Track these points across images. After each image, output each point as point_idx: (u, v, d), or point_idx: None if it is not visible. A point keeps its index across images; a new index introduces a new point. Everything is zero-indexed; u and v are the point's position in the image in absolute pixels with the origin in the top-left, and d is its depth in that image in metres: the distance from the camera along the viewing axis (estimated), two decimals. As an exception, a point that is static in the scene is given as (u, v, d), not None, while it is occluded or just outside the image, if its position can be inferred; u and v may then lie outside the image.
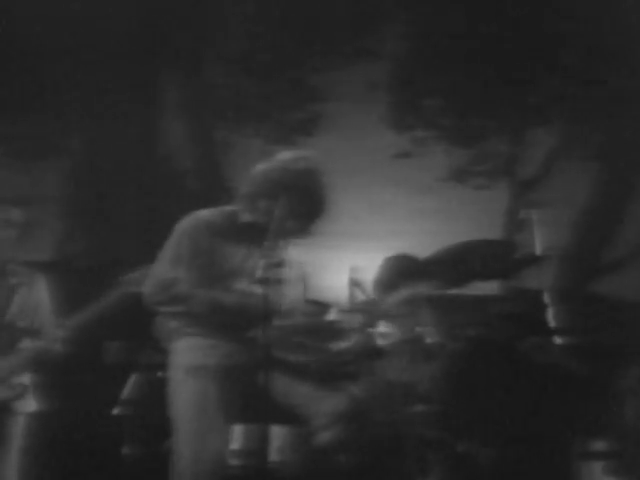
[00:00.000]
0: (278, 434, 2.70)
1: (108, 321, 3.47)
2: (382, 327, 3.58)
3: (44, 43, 7.05)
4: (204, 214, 2.92)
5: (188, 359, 2.76)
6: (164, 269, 2.82)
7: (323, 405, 2.75)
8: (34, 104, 7.36)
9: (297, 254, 3.06)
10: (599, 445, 3.39)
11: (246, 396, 2.65)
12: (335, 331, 2.94)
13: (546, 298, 3.85)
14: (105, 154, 7.65)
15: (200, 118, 8.22)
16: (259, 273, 2.70)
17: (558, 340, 3.81)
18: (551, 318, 3.82)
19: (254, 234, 2.83)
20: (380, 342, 3.21)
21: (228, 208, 2.98)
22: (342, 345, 2.90)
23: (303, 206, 2.83)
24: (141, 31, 7.37)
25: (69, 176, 7.83)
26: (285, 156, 2.93)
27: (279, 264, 2.79)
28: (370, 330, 3.12)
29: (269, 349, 2.48)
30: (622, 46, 7.22)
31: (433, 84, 8.12)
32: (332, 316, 3.02)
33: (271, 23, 7.88)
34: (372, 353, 3.12)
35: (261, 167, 2.94)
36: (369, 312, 3.54)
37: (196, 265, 2.81)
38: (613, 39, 7.26)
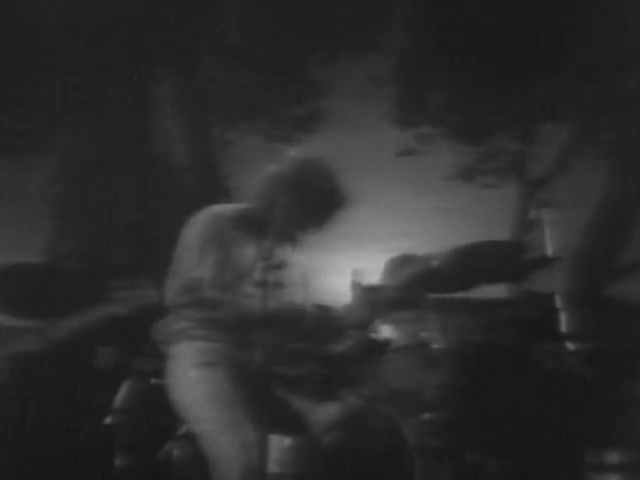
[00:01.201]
0: (277, 445, 2.70)
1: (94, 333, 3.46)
2: (386, 332, 3.58)
3: (34, 37, 7.04)
4: (222, 209, 2.92)
5: (196, 358, 2.75)
6: (188, 268, 2.79)
7: (320, 414, 2.74)
8: (23, 98, 7.36)
9: (298, 255, 3.06)
10: (613, 457, 3.38)
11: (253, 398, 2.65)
12: (334, 332, 2.94)
13: (558, 302, 3.83)
14: (97, 151, 7.64)
15: (196, 114, 8.21)
16: (257, 275, 2.70)
17: (570, 346, 3.80)
18: (563, 323, 3.80)
19: (266, 234, 2.84)
20: (380, 339, 3.21)
21: (242, 205, 2.97)
22: (341, 347, 2.89)
23: (317, 203, 2.85)
24: (134, 23, 7.37)
25: (59, 174, 7.82)
26: (297, 155, 2.95)
27: (279, 266, 2.79)
28: (370, 329, 3.13)
29: (267, 363, 2.50)
30: (636, 40, 7.21)
31: (439, 79, 8.13)
32: (333, 318, 3.01)
33: (270, 14, 7.87)
34: (373, 350, 3.12)
35: (274, 167, 2.94)
36: (371, 315, 3.54)
37: (220, 263, 2.79)
38: (627, 33, 7.26)
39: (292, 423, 2.76)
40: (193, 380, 2.73)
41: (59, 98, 7.49)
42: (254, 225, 2.89)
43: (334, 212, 2.91)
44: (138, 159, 7.65)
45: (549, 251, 3.74)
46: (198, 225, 2.85)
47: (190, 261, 2.80)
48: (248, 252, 2.86)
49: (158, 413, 3.15)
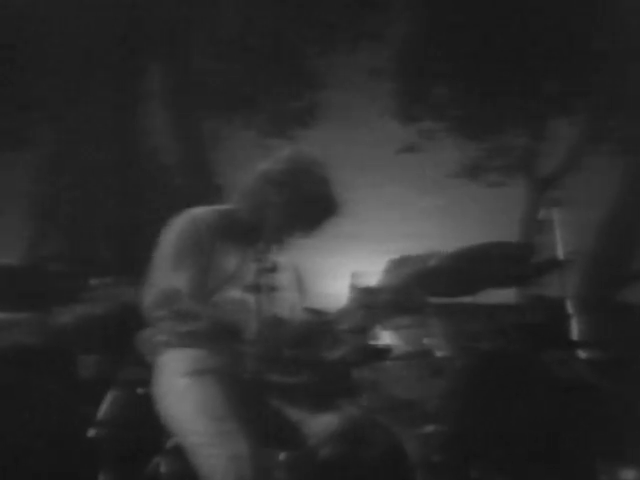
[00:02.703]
0: (270, 459, 2.69)
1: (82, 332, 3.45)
2: (386, 338, 3.57)
3: (15, 30, 7.02)
4: (201, 212, 2.91)
5: (185, 366, 2.75)
6: (164, 277, 2.80)
7: (316, 425, 2.73)
8: (4, 91, 7.34)
9: (293, 258, 3.05)
10: (628, 474, 3.37)
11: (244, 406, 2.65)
12: (330, 338, 2.93)
13: (569, 307, 3.83)
14: (82, 147, 7.63)
15: (186, 108, 8.21)
16: (250, 279, 2.70)
17: (582, 354, 3.79)
18: (574, 330, 3.80)
19: (252, 236, 2.83)
20: (380, 344, 3.20)
21: (225, 207, 2.97)
22: (337, 353, 2.88)
23: (309, 207, 2.85)
24: (121, 12, 7.35)
25: (42, 171, 7.81)
26: (290, 154, 2.94)
27: (272, 269, 2.78)
28: (369, 334, 3.12)
29: (259, 372, 2.49)
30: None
31: (442, 70, 8.13)
32: (328, 323, 3.00)
33: (265, 3, 7.88)
34: (372, 356, 3.11)
35: (263, 165, 2.94)
36: (369, 319, 3.53)
37: (198, 270, 2.79)
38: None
39: (286, 435, 2.75)
40: (181, 390, 2.72)
41: (41, 91, 7.48)
42: (237, 228, 2.89)
43: (324, 218, 2.90)
44: (124, 155, 7.65)
45: (559, 253, 3.73)
46: (175, 231, 2.84)
47: (166, 270, 2.79)
48: (231, 257, 2.85)
49: (145, 425, 3.14)
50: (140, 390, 3.31)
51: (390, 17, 7.94)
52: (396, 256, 3.85)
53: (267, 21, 7.92)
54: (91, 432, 3.53)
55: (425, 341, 3.59)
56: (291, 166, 2.88)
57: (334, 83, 7.79)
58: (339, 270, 3.18)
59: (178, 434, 2.71)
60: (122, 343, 3.20)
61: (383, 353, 3.32)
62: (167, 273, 2.78)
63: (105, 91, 7.49)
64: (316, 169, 2.89)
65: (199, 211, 2.91)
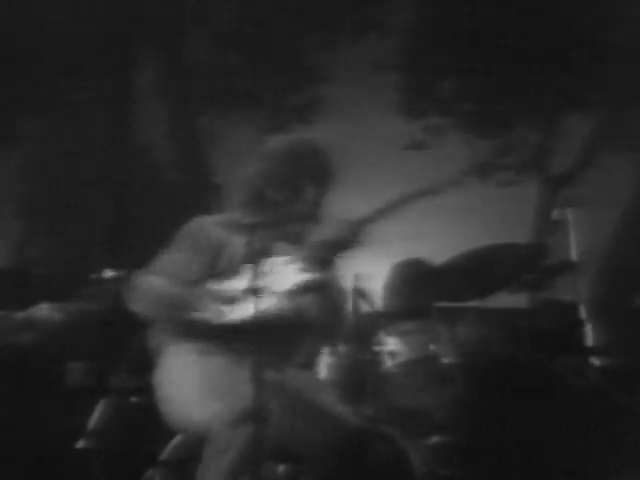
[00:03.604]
0: (270, 472, 2.69)
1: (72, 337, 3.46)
2: (391, 344, 3.57)
3: (6, 22, 7.03)
4: (213, 218, 3.03)
5: (190, 348, 2.78)
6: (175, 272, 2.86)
7: (317, 437, 2.73)
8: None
9: (293, 259, 3.06)
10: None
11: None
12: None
13: (582, 312, 3.84)
14: (71, 144, 7.64)
15: (181, 103, 8.22)
16: (249, 281, 2.71)
17: (596, 361, 3.80)
18: (588, 336, 3.80)
19: (258, 238, 2.87)
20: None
21: (233, 214, 3.03)
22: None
23: (308, 186, 2.92)
24: (115, 5, 7.36)
25: (29, 169, 7.82)
26: (275, 145, 2.99)
27: (271, 271, 2.80)
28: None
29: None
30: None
31: (450, 63, 8.12)
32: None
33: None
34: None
35: (253, 165, 2.99)
36: (375, 326, 3.53)
37: (211, 273, 2.85)
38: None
39: (285, 449, 2.75)
40: (187, 365, 2.76)
41: (29, 85, 7.48)
42: (244, 231, 2.92)
43: (325, 191, 2.95)
44: (116, 153, 7.65)
45: (573, 255, 3.74)
46: (188, 235, 2.94)
47: (181, 272, 2.85)
48: (237, 259, 2.89)
49: (138, 437, 3.15)
50: (134, 399, 3.32)
51: (395, 8, 7.93)
52: (400, 260, 3.86)
53: (266, 12, 7.92)
54: (81, 443, 3.54)
55: (431, 347, 3.59)
56: (279, 154, 2.94)
57: (336, 77, 7.78)
58: (341, 272, 3.18)
59: (182, 418, 2.71)
60: (117, 343, 3.22)
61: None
62: (183, 275, 2.83)
63: (98, 85, 7.50)
64: (304, 147, 2.97)
65: (211, 217, 3.02)
